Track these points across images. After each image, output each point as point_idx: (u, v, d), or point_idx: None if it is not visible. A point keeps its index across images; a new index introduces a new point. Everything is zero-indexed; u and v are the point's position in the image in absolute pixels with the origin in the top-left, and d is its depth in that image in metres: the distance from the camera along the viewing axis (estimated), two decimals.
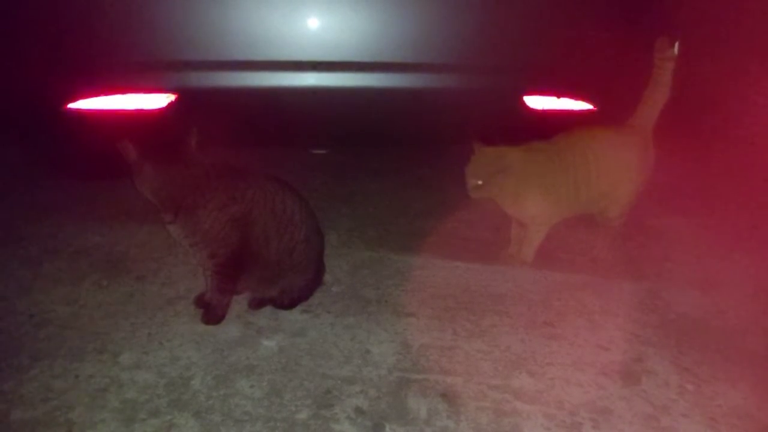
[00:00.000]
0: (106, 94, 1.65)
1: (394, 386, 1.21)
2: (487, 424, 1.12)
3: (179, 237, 1.31)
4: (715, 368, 1.32)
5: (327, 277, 1.59)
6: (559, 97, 1.89)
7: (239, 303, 1.47)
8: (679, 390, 1.24)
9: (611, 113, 1.92)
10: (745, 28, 2.87)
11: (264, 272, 1.39)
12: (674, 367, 1.31)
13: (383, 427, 1.10)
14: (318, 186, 2.41)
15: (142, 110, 1.66)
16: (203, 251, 1.31)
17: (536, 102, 1.87)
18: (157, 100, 1.66)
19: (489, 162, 1.59)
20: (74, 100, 1.66)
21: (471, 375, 1.25)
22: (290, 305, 1.47)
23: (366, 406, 1.15)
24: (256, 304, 1.47)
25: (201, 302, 1.45)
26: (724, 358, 1.36)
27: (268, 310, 1.47)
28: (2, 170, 2.45)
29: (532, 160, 1.62)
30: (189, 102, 1.67)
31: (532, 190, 1.63)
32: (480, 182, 1.59)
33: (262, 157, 2.58)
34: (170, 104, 1.66)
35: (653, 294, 1.63)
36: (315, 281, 1.51)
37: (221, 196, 1.29)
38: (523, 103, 1.86)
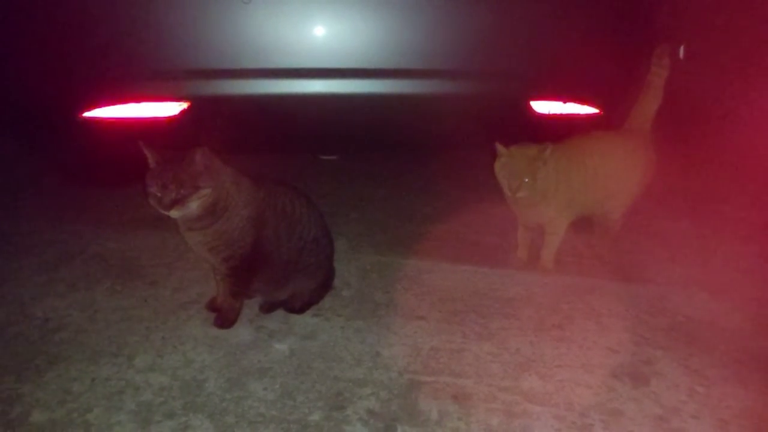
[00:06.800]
0: (120, 103, 1.69)
1: (404, 388, 1.22)
2: (497, 425, 1.13)
3: (197, 242, 1.33)
4: (724, 370, 1.32)
5: (337, 282, 1.61)
6: (565, 101, 1.91)
7: (250, 307, 1.49)
8: (688, 392, 1.24)
9: (617, 117, 1.93)
10: (745, 30, 2.87)
11: (275, 275, 1.42)
12: (684, 369, 1.32)
13: (395, 428, 1.11)
14: (327, 192, 2.44)
15: (155, 118, 1.70)
16: (219, 255, 1.34)
17: (543, 107, 1.89)
18: (170, 108, 1.69)
19: (528, 158, 1.58)
20: (89, 108, 1.69)
21: (481, 377, 1.26)
22: (301, 309, 1.49)
23: (377, 408, 1.16)
24: (267, 308, 1.49)
25: (213, 306, 1.47)
26: (733, 359, 1.36)
27: (279, 313, 1.49)
28: (17, 177, 2.49)
29: (552, 158, 1.64)
30: (201, 110, 1.71)
31: (555, 190, 1.64)
32: (527, 180, 1.57)
33: (273, 163, 2.61)
34: (183, 112, 1.69)
35: (661, 296, 1.64)
36: (325, 285, 1.54)
37: (243, 196, 1.32)
38: (530, 108, 1.87)
